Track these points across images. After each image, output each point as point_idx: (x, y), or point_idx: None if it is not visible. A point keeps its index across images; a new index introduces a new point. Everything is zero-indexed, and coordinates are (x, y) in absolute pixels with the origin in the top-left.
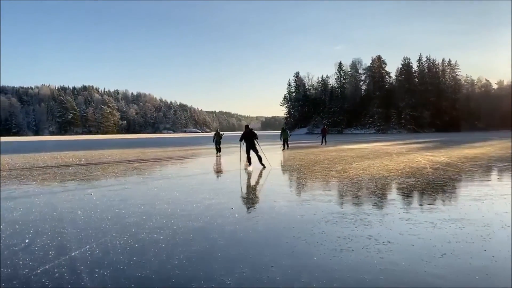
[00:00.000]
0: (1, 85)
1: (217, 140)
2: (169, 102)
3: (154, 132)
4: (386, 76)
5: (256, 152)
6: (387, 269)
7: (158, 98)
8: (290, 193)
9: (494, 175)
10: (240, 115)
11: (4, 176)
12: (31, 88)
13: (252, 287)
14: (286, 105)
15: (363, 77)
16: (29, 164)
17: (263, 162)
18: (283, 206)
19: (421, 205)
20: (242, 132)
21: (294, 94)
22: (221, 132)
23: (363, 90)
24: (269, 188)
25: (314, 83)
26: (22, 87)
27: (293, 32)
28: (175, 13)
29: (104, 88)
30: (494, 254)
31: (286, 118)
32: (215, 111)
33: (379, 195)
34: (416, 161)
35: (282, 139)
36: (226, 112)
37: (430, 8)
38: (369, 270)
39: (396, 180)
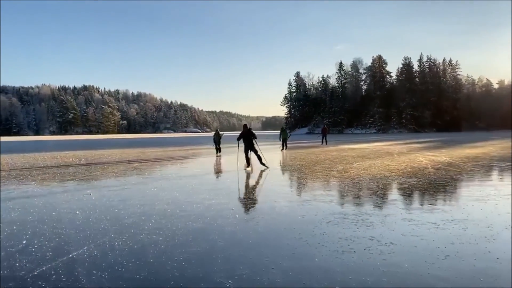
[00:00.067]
0: (1, 85)
1: (217, 140)
2: (169, 102)
3: (155, 132)
4: (387, 76)
5: (255, 152)
6: (390, 271)
7: (158, 98)
8: (291, 193)
9: (496, 175)
10: (241, 115)
11: (3, 176)
12: (32, 88)
13: None
14: (287, 105)
15: (363, 77)
16: (29, 164)
17: (263, 162)
18: (284, 207)
19: (423, 205)
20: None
21: (294, 94)
22: (220, 132)
23: (363, 90)
24: (270, 188)
25: (315, 82)
26: (22, 87)
27: (294, 31)
28: (175, 13)
29: (105, 88)
30: (498, 255)
31: (286, 118)
32: (215, 111)
33: (381, 196)
34: (418, 161)
35: (281, 139)
36: (226, 112)
37: (430, 8)
38: (371, 272)
39: (398, 180)
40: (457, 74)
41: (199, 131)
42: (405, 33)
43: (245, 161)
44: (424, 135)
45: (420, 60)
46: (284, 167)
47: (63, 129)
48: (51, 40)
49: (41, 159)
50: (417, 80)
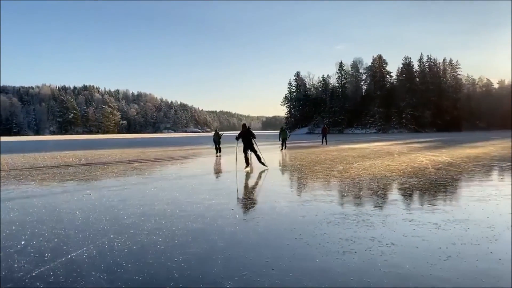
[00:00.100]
0: (1, 84)
1: (217, 140)
2: (169, 101)
3: (155, 132)
4: (387, 76)
5: (255, 151)
6: (391, 272)
7: (158, 97)
8: (291, 193)
9: (497, 175)
10: (241, 115)
11: (3, 176)
12: (32, 88)
13: None
14: (287, 104)
15: (364, 77)
16: (29, 164)
17: (262, 161)
18: (284, 207)
19: (424, 206)
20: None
21: (295, 93)
22: (220, 132)
23: (364, 90)
24: (270, 188)
25: (315, 82)
26: (22, 87)
27: (294, 31)
28: (175, 12)
29: (105, 88)
30: (500, 256)
31: (286, 117)
32: (215, 111)
33: (381, 196)
34: (418, 161)
35: (281, 139)
36: (226, 112)
37: (430, 8)
38: (372, 273)
39: (398, 180)
40: (457, 74)
41: (199, 131)
42: (405, 33)
43: (244, 161)
44: (424, 135)
45: (420, 60)
46: (284, 167)
47: (63, 129)
48: (51, 39)
49: (41, 159)
50: (417, 80)
